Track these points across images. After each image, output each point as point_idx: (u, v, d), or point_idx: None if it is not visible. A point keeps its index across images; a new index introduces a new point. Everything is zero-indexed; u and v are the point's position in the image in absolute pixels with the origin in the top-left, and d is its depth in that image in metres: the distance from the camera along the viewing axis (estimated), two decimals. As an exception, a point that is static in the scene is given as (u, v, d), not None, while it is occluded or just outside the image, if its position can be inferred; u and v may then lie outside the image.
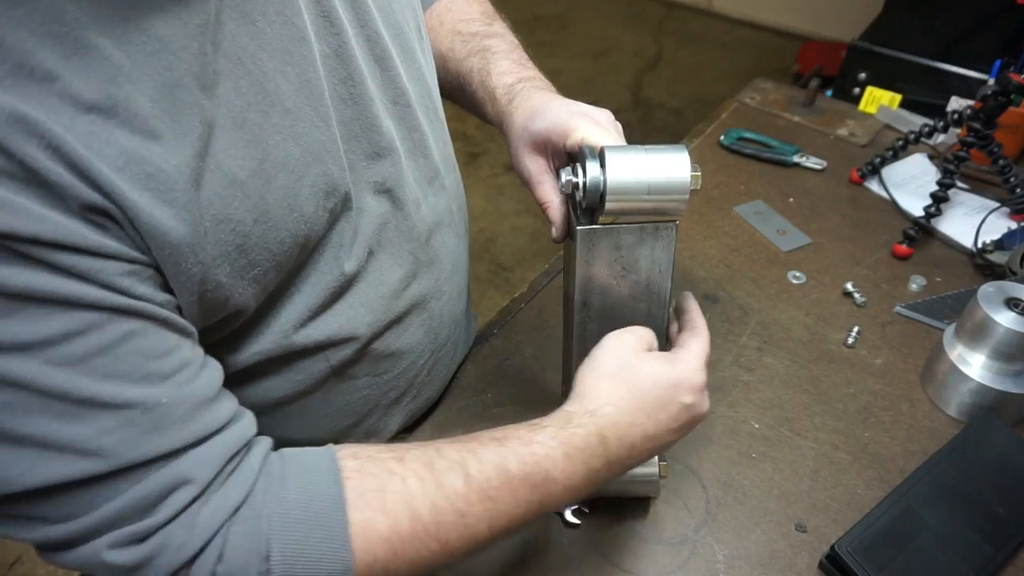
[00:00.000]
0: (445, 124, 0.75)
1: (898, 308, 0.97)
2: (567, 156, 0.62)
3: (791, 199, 1.15)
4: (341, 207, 0.59)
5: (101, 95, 0.42)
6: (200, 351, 0.50)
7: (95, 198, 0.42)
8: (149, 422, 0.45)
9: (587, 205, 0.57)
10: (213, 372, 0.51)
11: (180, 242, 0.46)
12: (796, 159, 1.21)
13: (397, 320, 0.69)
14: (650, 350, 0.60)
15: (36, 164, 0.40)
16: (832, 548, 0.68)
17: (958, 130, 1.12)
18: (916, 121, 1.24)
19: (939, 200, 1.05)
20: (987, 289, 0.80)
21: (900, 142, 1.15)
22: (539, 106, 0.65)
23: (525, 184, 0.65)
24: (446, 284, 0.75)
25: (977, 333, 0.80)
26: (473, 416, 0.83)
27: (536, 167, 0.64)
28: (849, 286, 0.98)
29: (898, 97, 1.33)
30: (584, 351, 0.60)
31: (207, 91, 0.47)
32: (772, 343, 0.92)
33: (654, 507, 0.75)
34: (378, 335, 0.68)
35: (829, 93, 1.44)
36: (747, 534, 0.73)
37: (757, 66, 3.32)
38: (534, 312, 0.96)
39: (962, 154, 1.05)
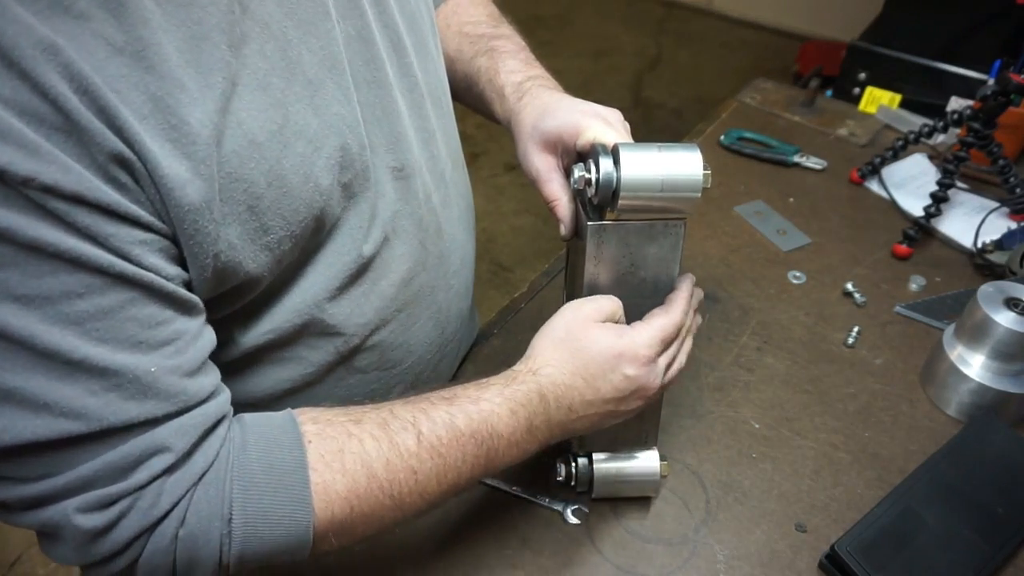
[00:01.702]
0: (454, 119, 0.76)
1: (898, 308, 0.97)
2: (577, 155, 0.63)
3: (791, 199, 1.15)
4: (359, 185, 0.60)
5: (131, 39, 0.42)
6: (196, 323, 0.51)
7: (120, 147, 0.42)
8: (135, 388, 0.46)
9: (599, 201, 0.57)
10: (204, 344, 0.51)
11: (198, 197, 0.46)
12: (796, 159, 1.21)
13: (407, 312, 0.70)
14: (609, 321, 0.61)
15: (67, 105, 0.40)
16: (832, 548, 0.68)
17: (958, 130, 1.12)
18: (916, 121, 1.24)
19: (939, 200, 1.05)
20: (987, 289, 0.80)
21: (900, 142, 1.15)
22: (549, 104, 0.66)
23: (533, 182, 0.66)
24: (454, 278, 0.76)
25: (977, 333, 0.80)
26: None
27: (545, 165, 0.64)
28: (849, 286, 0.98)
29: (898, 97, 1.33)
30: None
31: (234, 49, 0.48)
32: (772, 343, 0.92)
33: (654, 507, 0.75)
34: (387, 323, 0.68)
35: (829, 93, 1.44)
36: (747, 534, 0.73)
37: (757, 66, 3.32)
38: (534, 312, 0.96)
39: (962, 154, 1.05)
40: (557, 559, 0.70)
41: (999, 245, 1.00)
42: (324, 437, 0.53)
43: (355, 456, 0.52)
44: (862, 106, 1.36)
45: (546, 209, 0.65)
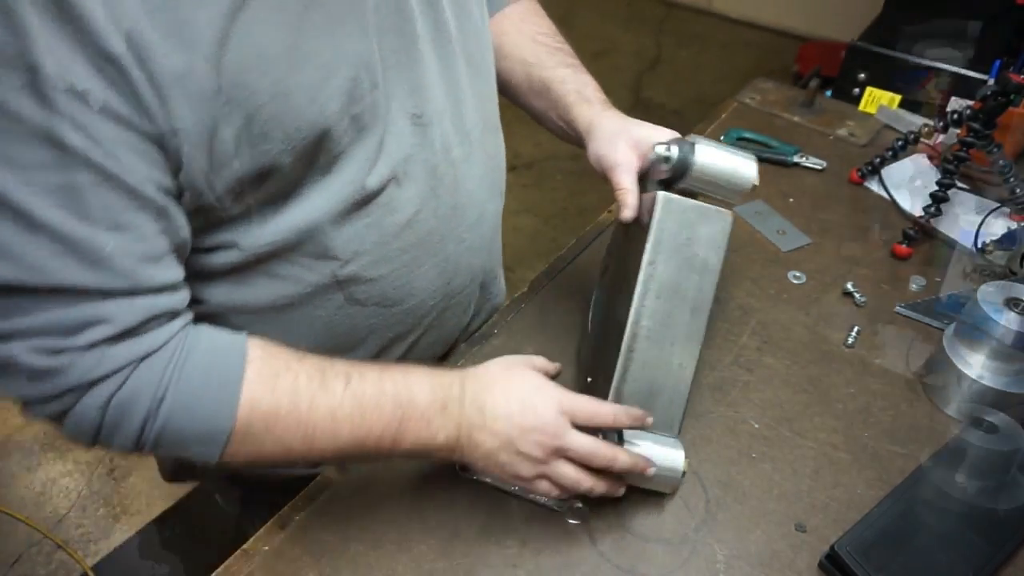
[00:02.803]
0: (494, 85, 0.81)
1: (898, 308, 0.97)
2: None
3: (791, 199, 1.15)
4: (368, 118, 0.63)
5: None
6: (161, 223, 0.54)
7: (113, 47, 0.46)
8: (90, 259, 0.51)
9: (669, 177, 0.70)
10: (169, 241, 0.56)
11: (196, 89, 0.51)
12: (796, 159, 1.21)
13: (412, 254, 0.73)
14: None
15: None
16: (832, 548, 0.69)
17: (958, 130, 1.12)
18: (916, 121, 1.24)
19: (939, 200, 1.05)
20: (987, 289, 0.81)
21: (900, 142, 1.15)
22: (630, 119, 0.79)
23: (609, 169, 0.75)
24: (468, 232, 0.79)
25: (977, 333, 0.80)
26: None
27: (627, 158, 0.75)
28: (849, 286, 0.98)
29: (898, 97, 1.33)
30: (641, 309, 0.69)
31: None
32: (772, 343, 0.92)
33: (654, 507, 0.75)
34: (387, 260, 0.71)
35: (829, 93, 1.44)
36: (747, 534, 0.73)
37: (757, 66, 3.31)
38: (534, 312, 0.96)
39: (962, 154, 1.05)
40: (557, 559, 0.70)
41: (999, 245, 1.00)
42: (265, 362, 0.59)
43: (287, 385, 0.59)
44: (862, 106, 1.36)
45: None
